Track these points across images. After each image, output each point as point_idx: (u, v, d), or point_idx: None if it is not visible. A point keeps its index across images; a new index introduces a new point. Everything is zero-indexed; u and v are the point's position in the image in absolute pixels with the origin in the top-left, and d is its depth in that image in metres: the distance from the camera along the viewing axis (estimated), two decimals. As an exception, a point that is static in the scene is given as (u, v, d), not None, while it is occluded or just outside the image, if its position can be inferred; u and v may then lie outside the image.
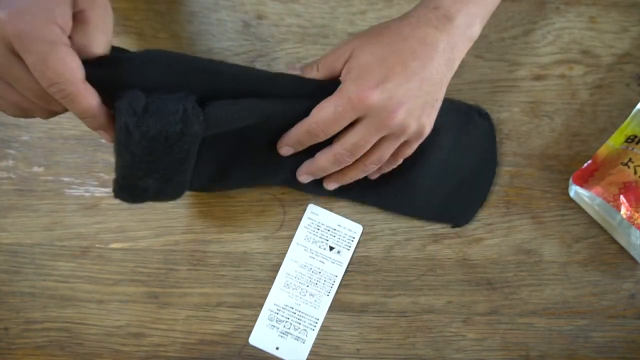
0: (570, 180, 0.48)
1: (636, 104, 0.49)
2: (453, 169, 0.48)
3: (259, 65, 0.50)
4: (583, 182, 0.47)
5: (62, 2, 0.31)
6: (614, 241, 0.48)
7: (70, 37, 0.32)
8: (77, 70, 0.31)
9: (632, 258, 0.48)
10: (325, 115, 0.38)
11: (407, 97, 0.38)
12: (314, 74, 0.41)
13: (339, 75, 0.39)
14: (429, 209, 0.48)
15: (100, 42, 0.34)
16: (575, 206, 0.49)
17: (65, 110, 0.34)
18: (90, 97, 0.33)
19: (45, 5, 0.30)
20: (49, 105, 0.34)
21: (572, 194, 0.48)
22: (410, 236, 0.48)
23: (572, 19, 0.52)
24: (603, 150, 0.48)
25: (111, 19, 0.35)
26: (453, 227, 0.48)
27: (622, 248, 0.48)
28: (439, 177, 0.48)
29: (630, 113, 0.48)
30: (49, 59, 0.30)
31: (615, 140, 0.48)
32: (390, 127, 0.38)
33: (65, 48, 0.31)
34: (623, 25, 0.52)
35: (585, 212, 0.48)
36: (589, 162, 0.48)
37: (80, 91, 0.32)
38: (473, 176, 0.48)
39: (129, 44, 0.50)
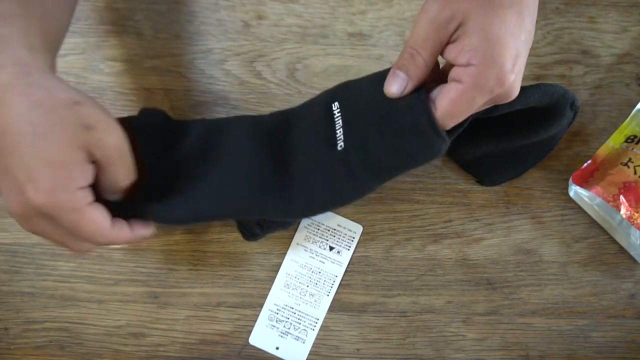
0: (570, 180, 0.48)
1: (636, 104, 0.49)
2: (518, 140, 0.45)
3: (259, 65, 0.50)
4: (583, 182, 0.47)
5: (78, 163, 0.33)
6: (614, 241, 0.48)
7: (97, 180, 0.35)
8: (104, 223, 0.34)
9: (632, 258, 0.48)
10: (460, 109, 0.34)
11: (523, 66, 0.34)
12: (419, 65, 0.34)
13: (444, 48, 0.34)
14: (473, 160, 0.48)
15: (123, 177, 0.36)
16: (575, 206, 0.49)
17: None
18: (115, 236, 0.36)
19: (65, 176, 0.32)
20: (67, 248, 0.36)
21: (571, 194, 0.48)
22: (410, 236, 0.48)
23: (572, 19, 0.52)
24: (603, 150, 0.48)
25: (127, 150, 0.36)
26: (477, 182, 0.49)
27: (622, 248, 0.48)
28: (501, 143, 0.46)
29: (630, 113, 0.48)
30: (80, 224, 0.33)
31: (614, 140, 0.48)
32: (505, 99, 0.35)
33: (91, 207, 0.34)
34: (623, 25, 0.52)
35: (585, 212, 0.48)
36: (589, 162, 0.48)
37: (109, 238, 0.35)
38: (528, 151, 0.47)
39: (129, 44, 0.50)
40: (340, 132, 0.38)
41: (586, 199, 0.47)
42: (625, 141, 0.47)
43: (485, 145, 0.46)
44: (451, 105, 0.33)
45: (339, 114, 0.39)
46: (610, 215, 0.46)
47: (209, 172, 0.41)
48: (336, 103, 0.39)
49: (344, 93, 0.39)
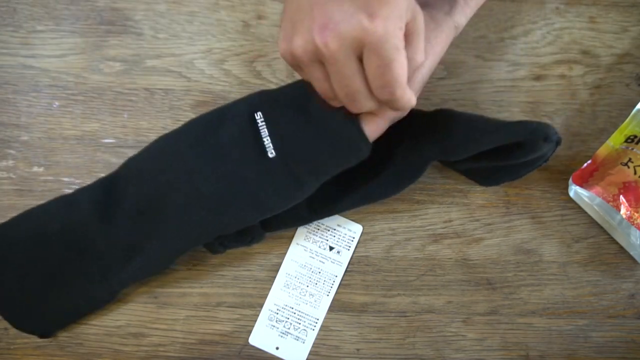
0: (570, 180, 0.48)
1: (636, 104, 0.48)
2: (503, 161, 0.45)
3: (259, 65, 0.50)
4: (582, 182, 0.47)
5: (405, 9, 0.32)
6: (613, 241, 0.48)
7: None
8: (406, 75, 0.33)
9: (632, 258, 0.48)
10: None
11: None
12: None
13: None
14: (469, 169, 0.48)
15: (421, 52, 0.35)
16: (575, 206, 0.49)
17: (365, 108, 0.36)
18: (409, 98, 0.34)
19: (400, 11, 0.31)
20: (352, 102, 0.35)
21: (571, 194, 0.48)
22: (410, 236, 0.48)
23: (572, 19, 0.52)
24: (602, 151, 0.48)
25: (423, 21, 0.35)
26: (477, 182, 0.49)
27: (622, 248, 0.48)
28: (488, 162, 0.45)
29: (630, 113, 0.48)
30: (392, 65, 0.31)
31: (614, 141, 0.48)
32: None
33: (404, 55, 0.32)
34: (623, 25, 0.52)
35: (585, 212, 0.48)
36: (589, 162, 0.48)
37: (405, 93, 0.33)
38: (521, 163, 0.46)
39: (128, 44, 0.50)
40: (267, 140, 0.41)
41: (586, 199, 0.47)
42: (625, 141, 0.47)
43: (473, 163, 0.46)
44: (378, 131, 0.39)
45: (263, 124, 0.42)
46: (610, 215, 0.46)
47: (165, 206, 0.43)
48: (259, 113, 0.42)
49: (265, 105, 0.41)
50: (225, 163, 0.42)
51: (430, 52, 0.39)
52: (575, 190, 0.48)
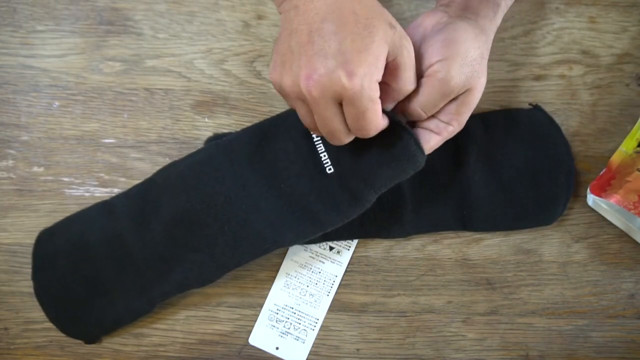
0: (588, 190, 0.47)
1: (636, 104, 0.48)
2: (509, 174, 0.47)
3: (259, 65, 0.50)
4: (601, 192, 0.46)
5: (383, 56, 0.34)
6: (613, 241, 0.48)
7: (384, 83, 0.36)
8: (381, 119, 0.36)
9: (632, 258, 0.48)
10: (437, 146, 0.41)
11: None
12: (425, 118, 0.41)
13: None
14: (505, 220, 0.48)
15: (411, 80, 0.37)
16: (574, 206, 0.49)
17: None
18: (380, 128, 0.37)
19: (375, 65, 0.34)
20: (332, 138, 0.38)
21: (590, 202, 0.48)
22: (410, 236, 0.48)
23: (572, 19, 0.52)
24: (616, 157, 0.47)
25: (412, 53, 0.37)
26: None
27: (622, 248, 0.48)
28: (497, 184, 0.47)
29: (629, 113, 0.48)
30: (366, 114, 0.35)
31: (627, 146, 0.47)
32: None
33: (378, 102, 0.35)
34: (623, 25, 0.52)
35: (585, 213, 0.48)
36: (604, 170, 0.47)
37: (378, 130, 0.37)
38: (540, 173, 0.47)
39: (128, 44, 0.50)
40: (324, 156, 0.42)
41: (605, 206, 0.46)
42: (638, 145, 0.47)
43: None
44: (431, 149, 0.41)
45: (319, 139, 0.43)
46: (633, 222, 0.45)
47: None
48: None
49: None
50: (284, 178, 0.43)
51: (483, 68, 0.40)
52: (593, 199, 0.47)
